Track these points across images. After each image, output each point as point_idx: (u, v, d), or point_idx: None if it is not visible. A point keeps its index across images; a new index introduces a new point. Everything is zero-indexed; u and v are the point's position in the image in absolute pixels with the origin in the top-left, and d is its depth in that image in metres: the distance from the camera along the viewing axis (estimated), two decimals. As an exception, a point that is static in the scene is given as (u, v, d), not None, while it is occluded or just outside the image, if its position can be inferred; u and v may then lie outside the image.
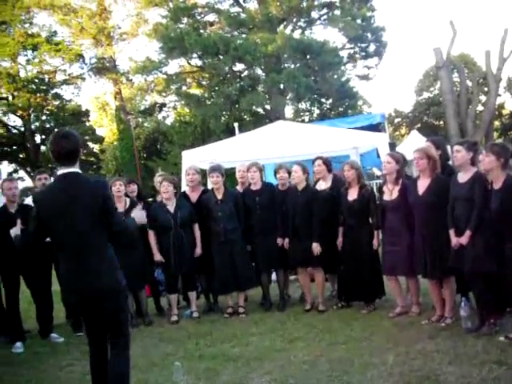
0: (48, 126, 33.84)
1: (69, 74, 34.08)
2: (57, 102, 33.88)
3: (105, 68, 34.12)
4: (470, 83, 27.18)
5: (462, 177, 5.58)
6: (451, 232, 5.58)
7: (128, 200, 7.38)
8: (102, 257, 4.04)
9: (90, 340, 4.24)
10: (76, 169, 4.02)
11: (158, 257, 7.24)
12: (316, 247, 6.92)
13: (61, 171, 4.02)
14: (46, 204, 4.04)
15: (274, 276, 7.89)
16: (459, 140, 5.94)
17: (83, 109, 36.19)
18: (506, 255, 5.08)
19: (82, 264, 3.98)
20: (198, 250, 7.33)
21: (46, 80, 32.76)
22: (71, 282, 4.06)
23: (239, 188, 7.82)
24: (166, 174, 8.26)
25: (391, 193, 6.38)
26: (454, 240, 5.53)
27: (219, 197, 7.32)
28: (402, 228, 6.23)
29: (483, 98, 29.05)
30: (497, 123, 41.11)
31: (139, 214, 7.12)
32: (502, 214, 5.00)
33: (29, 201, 7.20)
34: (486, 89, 28.25)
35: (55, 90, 33.76)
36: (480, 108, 26.18)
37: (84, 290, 4.02)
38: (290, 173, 7.32)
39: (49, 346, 6.69)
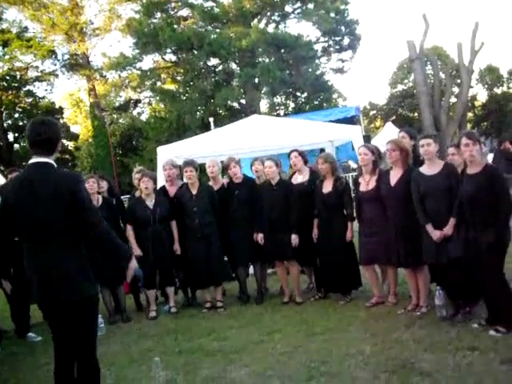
0: (21, 123, 33.46)
1: (41, 71, 33.76)
2: (29, 100, 33.54)
3: (78, 64, 33.82)
4: (443, 75, 27.42)
5: (430, 169, 5.63)
6: (429, 227, 5.54)
7: (100, 197, 7.35)
8: (69, 256, 3.73)
9: (55, 345, 3.96)
10: (50, 160, 3.74)
11: (137, 251, 7.17)
12: (295, 239, 6.98)
13: (32, 160, 3.76)
14: (11, 194, 3.77)
15: (251, 269, 7.93)
16: (424, 134, 6.01)
17: (57, 106, 35.83)
18: (472, 243, 5.15)
19: (46, 262, 3.70)
20: (177, 247, 7.32)
21: (18, 77, 32.32)
22: (34, 281, 3.75)
23: (211, 183, 7.79)
24: (144, 169, 8.21)
25: (368, 183, 6.43)
26: (437, 233, 5.47)
27: (194, 192, 7.32)
28: (379, 218, 6.27)
29: (456, 89, 29.32)
30: (470, 115, 41.67)
31: None
32: (476, 199, 5.04)
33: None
34: (458, 81, 28.54)
35: (27, 87, 33.39)
36: (453, 100, 26.42)
37: (46, 295, 3.75)
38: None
39: (26, 345, 6.64)
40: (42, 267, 3.71)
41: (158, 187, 8.23)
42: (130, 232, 7.29)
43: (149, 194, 7.33)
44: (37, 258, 3.75)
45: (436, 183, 5.52)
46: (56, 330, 3.93)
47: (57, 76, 34.45)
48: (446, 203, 5.44)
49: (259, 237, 7.21)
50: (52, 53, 32.88)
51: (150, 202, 7.31)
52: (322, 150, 15.17)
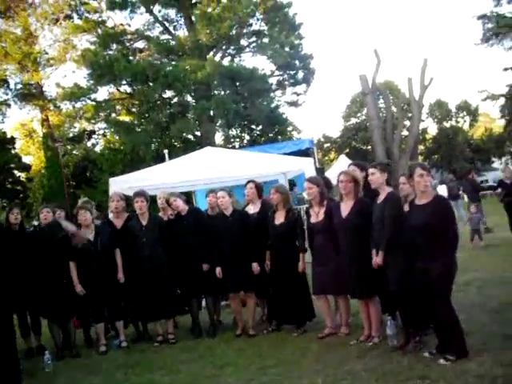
0: (-30, 153, 32.73)
1: (-8, 100, 33.08)
2: (-21, 129, 32.81)
3: (31, 94, 33.35)
4: (394, 109, 28.12)
5: (380, 198, 5.76)
6: (373, 252, 5.73)
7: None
8: None
9: None
10: None
11: (78, 288, 7.05)
12: (256, 267, 6.96)
13: None
14: None
15: (204, 302, 7.83)
16: (372, 163, 6.11)
17: (8, 136, 35.14)
18: (420, 273, 5.22)
19: None
20: (120, 275, 7.19)
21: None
22: None
23: (162, 215, 7.74)
24: (89, 201, 8.13)
25: (317, 215, 6.50)
26: (373, 260, 5.70)
27: (144, 222, 7.25)
28: (329, 249, 6.34)
29: (408, 123, 30.04)
30: (421, 147, 42.71)
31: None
32: (426, 229, 5.13)
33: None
34: (409, 114, 29.28)
35: (-23, 117, 32.67)
36: (405, 133, 27.07)
37: None
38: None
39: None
40: None
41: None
42: (72, 269, 7.09)
43: (88, 226, 7.20)
44: None
45: (378, 212, 5.68)
46: None
47: (9, 106, 33.88)
48: (380, 233, 5.60)
49: (217, 270, 7.15)
50: (4, 82, 32.40)
51: (91, 234, 7.18)
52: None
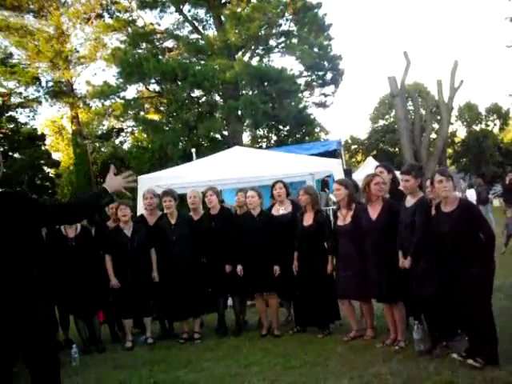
0: (1, 149, 33.15)
1: (24, 97, 33.45)
2: (11, 125, 33.20)
3: (62, 92, 33.72)
4: (423, 111, 27.79)
5: (409, 201, 5.72)
6: (400, 254, 5.69)
7: (79, 226, 7.28)
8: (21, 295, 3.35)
9: None
10: None
11: (114, 281, 7.13)
12: (277, 269, 6.96)
13: None
14: None
15: (230, 301, 7.86)
16: (405, 167, 5.98)
17: (39, 132, 35.60)
18: (455, 277, 5.17)
19: None
20: (155, 275, 7.25)
21: (0, 102, 32.10)
22: None
23: (192, 214, 7.72)
24: (117, 198, 8.20)
25: (344, 218, 6.48)
26: (400, 262, 5.66)
27: (173, 221, 7.30)
28: (354, 253, 6.32)
29: (436, 125, 29.72)
30: (450, 151, 42.20)
31: None
32: (456, 236, 5.09)
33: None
34: (438, 117, 28.95)
35: (10, 113, 33.07)
36: (433, 136, 26.75)
37: None
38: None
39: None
40: None
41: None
42: (108, 262, 7.21)
43: (127, 222, 7.27)
44: None
45: (406, 215, 5.65)
46: None
47: (40, 103, 34.25)
48: (408, 236, 5.58)
49: (238, 268, 7.17)
50: (36, 79, 32.78)
51: (128, 231, 7.25)
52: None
